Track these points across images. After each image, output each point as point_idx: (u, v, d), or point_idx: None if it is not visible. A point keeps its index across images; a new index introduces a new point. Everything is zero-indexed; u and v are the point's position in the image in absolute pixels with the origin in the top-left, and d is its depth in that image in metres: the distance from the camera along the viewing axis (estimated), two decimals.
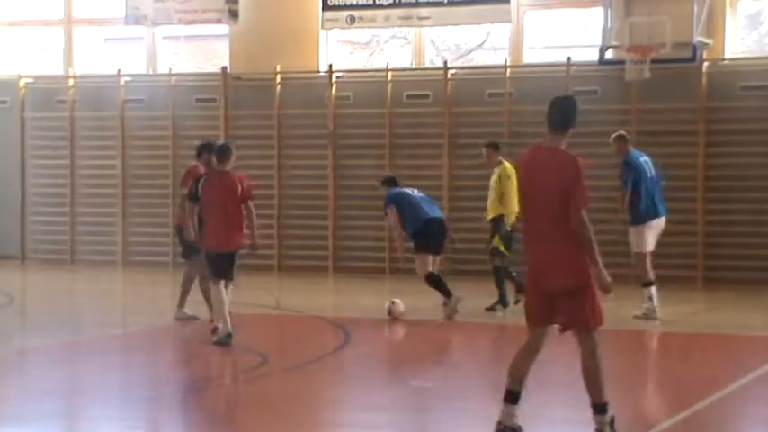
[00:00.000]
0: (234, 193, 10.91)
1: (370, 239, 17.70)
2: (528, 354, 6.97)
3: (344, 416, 8.23)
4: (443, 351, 11.67)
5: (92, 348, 11.23)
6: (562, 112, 6.86)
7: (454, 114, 17.38)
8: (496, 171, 12.95)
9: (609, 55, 16.32)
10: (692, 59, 15.92)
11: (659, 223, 12.99)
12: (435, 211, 12.92)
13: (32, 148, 19.50)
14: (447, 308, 12.44)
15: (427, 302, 13.15)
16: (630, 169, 12.75)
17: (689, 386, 9.11)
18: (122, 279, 17.34)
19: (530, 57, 17.66)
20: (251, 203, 11.10)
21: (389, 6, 17.62)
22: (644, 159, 12.97)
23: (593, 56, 16.44)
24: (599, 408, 6.86)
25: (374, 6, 17.69)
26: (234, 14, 18.35)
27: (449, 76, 17.49)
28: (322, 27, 18.04)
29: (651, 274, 12.86)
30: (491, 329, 12.47)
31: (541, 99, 17.38)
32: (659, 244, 16.48)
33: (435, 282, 12.57)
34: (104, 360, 10.73)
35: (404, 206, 12.69)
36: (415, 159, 17.62)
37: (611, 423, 6.85)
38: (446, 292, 12.48)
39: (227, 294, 10.83)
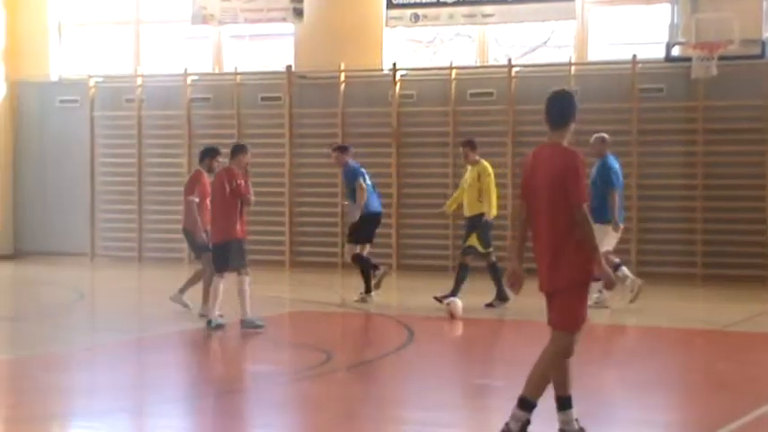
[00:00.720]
0: (221, 188, 11.56)
1: (434, 237, 17.72)
2: None
3: (408, 414, 8.26)
4: (507, 350, 11.64)
5: (158, 345, 11.39)
6: (559, 108, 6.81)
7: (518, 112, 17.33)
8: (474, 169, 13.28)
9: (675, 52, 16.17)
10: (761, 56, 15.71)
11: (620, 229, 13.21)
12: (379, 206, 13.97)
13: (101, 147, 19.81)
14: (361, 295, 13.61)
15: (487, 301, 13.14)
16: (613, 171, 12.99)
17: (757, 387, 9.00)
18: (188, 277, 17.49)
19: (594, 54, 17.54)
20: (248, 198, 11.64)
21: (454, 4, 17.62)
22: (618, 165, 13.15)
23: (659, 53, 16.30)
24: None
25: (438, 4, 17.71)
26: (299, 13, 18.48)
27: (513, 73, 17.45)
28: (386, 25, 18.10)
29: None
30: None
31: (606, 97, 17.38)
32: (729, 242, 16.35)
33: (364, 264, 13.69)
34: (170, 356, 10.89)
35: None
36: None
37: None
38: (368, 283, 13.61)
39: (246, 286, 11.47)
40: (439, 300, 13.09)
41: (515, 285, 6.76)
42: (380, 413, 8.18)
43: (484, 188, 13.07)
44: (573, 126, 6.83)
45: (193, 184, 12.58)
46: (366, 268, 13.75)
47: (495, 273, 13.12)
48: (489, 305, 13.11)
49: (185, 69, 19.27)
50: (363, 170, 13.92)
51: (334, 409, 8.16)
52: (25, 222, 20.32)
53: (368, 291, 13.73)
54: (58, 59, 20.33)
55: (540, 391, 6.69)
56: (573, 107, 6.80)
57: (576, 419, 6.84)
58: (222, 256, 11.59)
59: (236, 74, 19.00)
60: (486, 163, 13.37)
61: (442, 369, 10.21)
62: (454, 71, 17.82)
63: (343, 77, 18.23)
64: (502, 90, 17.47)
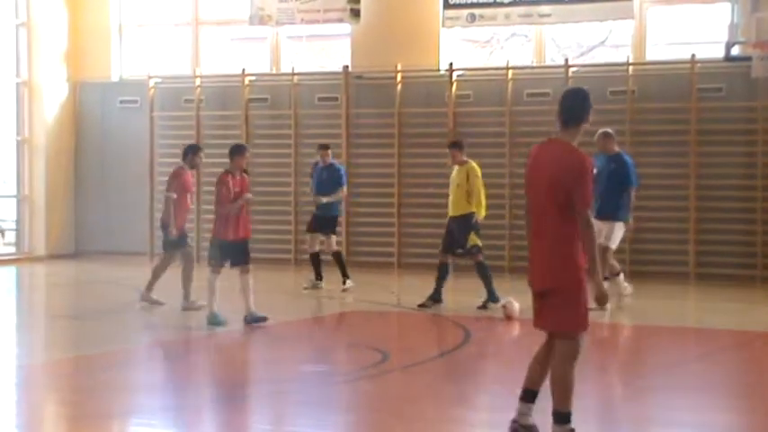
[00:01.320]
0: (214, 191, 12.33)
1: (489, 237, 17.65)
2: (544, 356, 6.76)
3: (465, 414, 8.27)
4: None
5: (215, 343, 11.50)
6: (572, 106, 6.61)
7: None
8: (463, 169, 13.46)
9: (735, 51, 15.97)
10: None
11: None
12: None
13: (160, 147, 20.02)
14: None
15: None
16: (631, 168, 13.03)
17: None
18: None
19: (652, 54, 17.41)
20: (235, 204, 12.02)
21: (510, 4, 17.57)
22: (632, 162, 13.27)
23: (719, 52, 16.13)
24: (559, 416, 6.54)
25: (495, 4, 17.67)
26: (355, 14, 18.54)
27: (570, 73, 17.37)
28: (443, 25, 18.09)
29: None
30: (613, 329, 12.38)
31: (665, 97, 17.25)
32: None
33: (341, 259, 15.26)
34: (227, 355, 10.99)
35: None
36: None
37: None
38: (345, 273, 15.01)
39: (248, 283, 11.93)
40: (482, 306, 13.12)
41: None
42: (437, 413, 8.20)
43: (473, 189, 13.27)
44: (584, 127, 6.65)
45: (172, 180, 13.24)
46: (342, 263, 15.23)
47: (484, 272, 13.30)
48: (482, 307, 13.16)
49: (243, 70, 19.43)
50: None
51: (391, 409, 8.20)
52: (86, 222, 20.61)
53: (345, 277, 15.08)
54: (118, 60, 20.60)
55: (567, 398, 6.56)
56: (588, 107, 6.61)
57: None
58: (214, 252, 12.10)
59: (294, 74, 19.11)
60: (474, 163, 13.55)
61: (499, 370, 10.20)
62: (511, 71, 17.77)
63: (399, 78, 18.26)
64: (559, 90, 17.16)
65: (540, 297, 6.64)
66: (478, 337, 11.55)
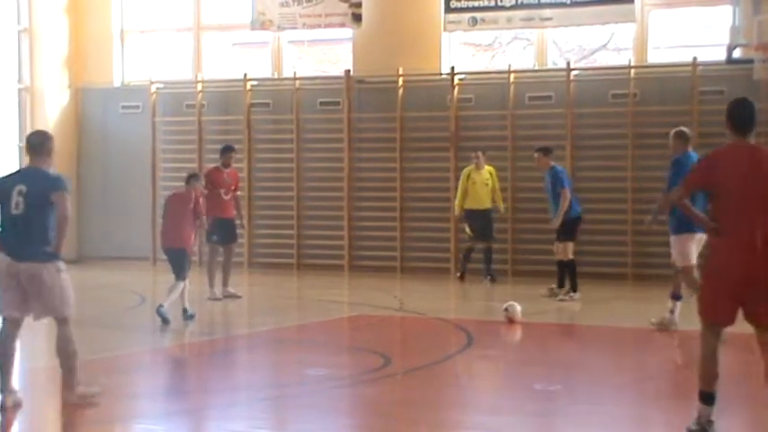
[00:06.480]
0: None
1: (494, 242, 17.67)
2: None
3: (468, 418, 8.25)
4: (566, 353, 11.59)
5: (216, 348, 11.49)
6: (753, 114, 7.17)
7: (577, 116, 17.25)
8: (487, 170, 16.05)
9: (736, 54, 15.97)
10: None
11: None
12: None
13: (162, 152, 20.03)
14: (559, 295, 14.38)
15: (546, 306, 13.09)
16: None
17: None
18: (248, 281, 17.63)
19: (654, 57, 17.41)
20: None
21: (512, 8, 17.58)
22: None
23: (720, 55, 16.12)
24: None
25: (496, 8, 17.68)
26: (357, 18, 18.55)
27: (571, 77, 17.37)
28: (444, 29, 18.10)
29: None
30: (615, 333, 12.37)
31: (666, 100, 17.24)
32: None
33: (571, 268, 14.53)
34: (229, 359, 10.98)
35: None
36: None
37: None
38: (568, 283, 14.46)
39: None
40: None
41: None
42: (439, 417, 8.19)
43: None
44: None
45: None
46: (573, 270, 14.41)
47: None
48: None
49: (245, 75, 19.44)
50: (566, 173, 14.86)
51: (393, 413, 8.18)
52: (88, 227, 20.61)
53: (574, 289, 14.32)
54: (120, 66, 20.62)
55: None
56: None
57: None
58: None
59: (295, 79, 19.12)
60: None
61: (502, 373, 10.19)
62: (512, 75, 17.77)
63: (401, 82, 18.27)
64: (560, 93, 17.39)
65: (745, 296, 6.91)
66: (481, 340, 11.54)
